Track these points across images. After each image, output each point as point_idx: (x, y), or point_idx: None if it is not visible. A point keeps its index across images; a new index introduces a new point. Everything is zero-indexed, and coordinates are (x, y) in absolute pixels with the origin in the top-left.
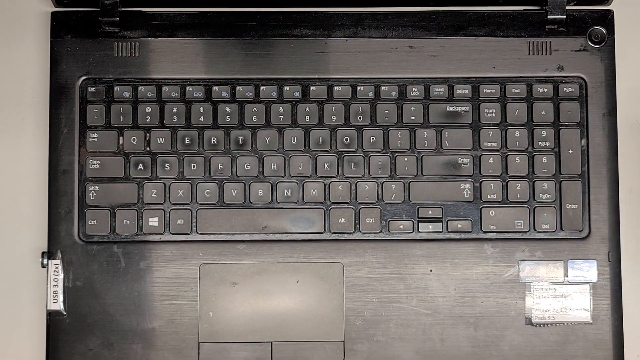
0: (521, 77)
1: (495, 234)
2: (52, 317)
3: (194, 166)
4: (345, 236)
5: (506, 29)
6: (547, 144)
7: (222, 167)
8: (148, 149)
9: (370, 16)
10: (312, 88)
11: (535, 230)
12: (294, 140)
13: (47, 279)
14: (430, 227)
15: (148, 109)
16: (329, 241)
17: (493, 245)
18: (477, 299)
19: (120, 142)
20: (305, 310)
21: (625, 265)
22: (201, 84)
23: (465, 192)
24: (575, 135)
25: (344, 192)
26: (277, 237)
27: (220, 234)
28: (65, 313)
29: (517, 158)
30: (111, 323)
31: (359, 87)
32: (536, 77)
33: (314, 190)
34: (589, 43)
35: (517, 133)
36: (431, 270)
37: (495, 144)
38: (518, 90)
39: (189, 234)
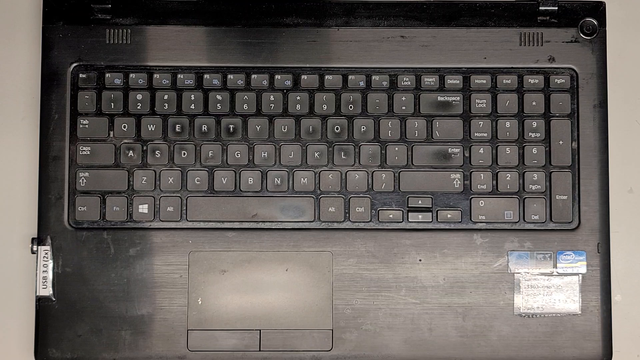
0: (512, 67)
1: (484, 224)
2: (42, 303)
3: (184, 153)
4: (335, 225)
5: (498, 19)
6: (538, 135)
7: (212, 155)
8: (139, 136)
9: (362, 5)
10: (303, 77)
11: (524, 221)
12: (284, 129)
13: (37, 265)
14: (420, 216)
15: (139, 96)
16: (319, 230)
17: (482, 235)
18: (465, 289)
19: (111, 129)
20: (294, 298)
21: (615, 257)
22: (192, 72)
23: (455, 182)
24: (565, 127)
25: (334, 181)
26: (267, 225)
27: (210, 221)
28: (54, 299)
29: (507, 149)
30: (100, 309)
31: (350, 77)
32: (527, 68)
33: (304, 179)
34: (581, 35)
35: (507, 124)
36: (420, 260)
37: (485, 135)
38: (509, 81)
39: (178, 221)
